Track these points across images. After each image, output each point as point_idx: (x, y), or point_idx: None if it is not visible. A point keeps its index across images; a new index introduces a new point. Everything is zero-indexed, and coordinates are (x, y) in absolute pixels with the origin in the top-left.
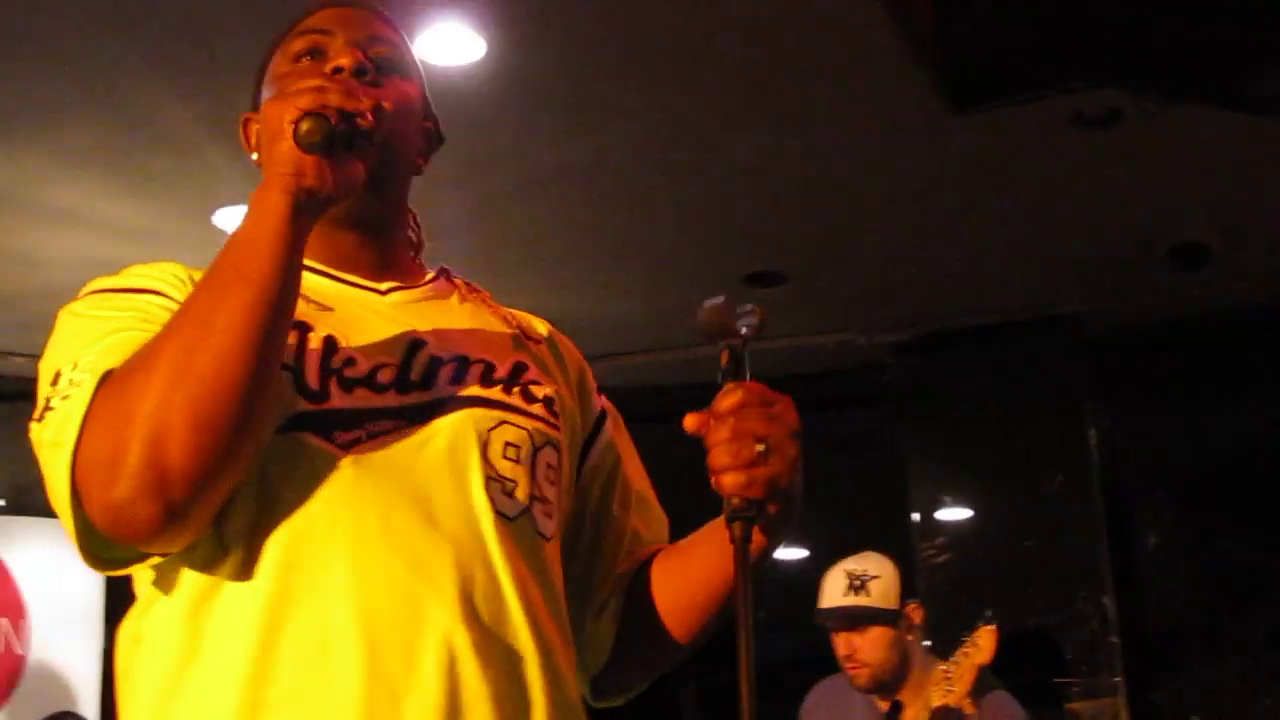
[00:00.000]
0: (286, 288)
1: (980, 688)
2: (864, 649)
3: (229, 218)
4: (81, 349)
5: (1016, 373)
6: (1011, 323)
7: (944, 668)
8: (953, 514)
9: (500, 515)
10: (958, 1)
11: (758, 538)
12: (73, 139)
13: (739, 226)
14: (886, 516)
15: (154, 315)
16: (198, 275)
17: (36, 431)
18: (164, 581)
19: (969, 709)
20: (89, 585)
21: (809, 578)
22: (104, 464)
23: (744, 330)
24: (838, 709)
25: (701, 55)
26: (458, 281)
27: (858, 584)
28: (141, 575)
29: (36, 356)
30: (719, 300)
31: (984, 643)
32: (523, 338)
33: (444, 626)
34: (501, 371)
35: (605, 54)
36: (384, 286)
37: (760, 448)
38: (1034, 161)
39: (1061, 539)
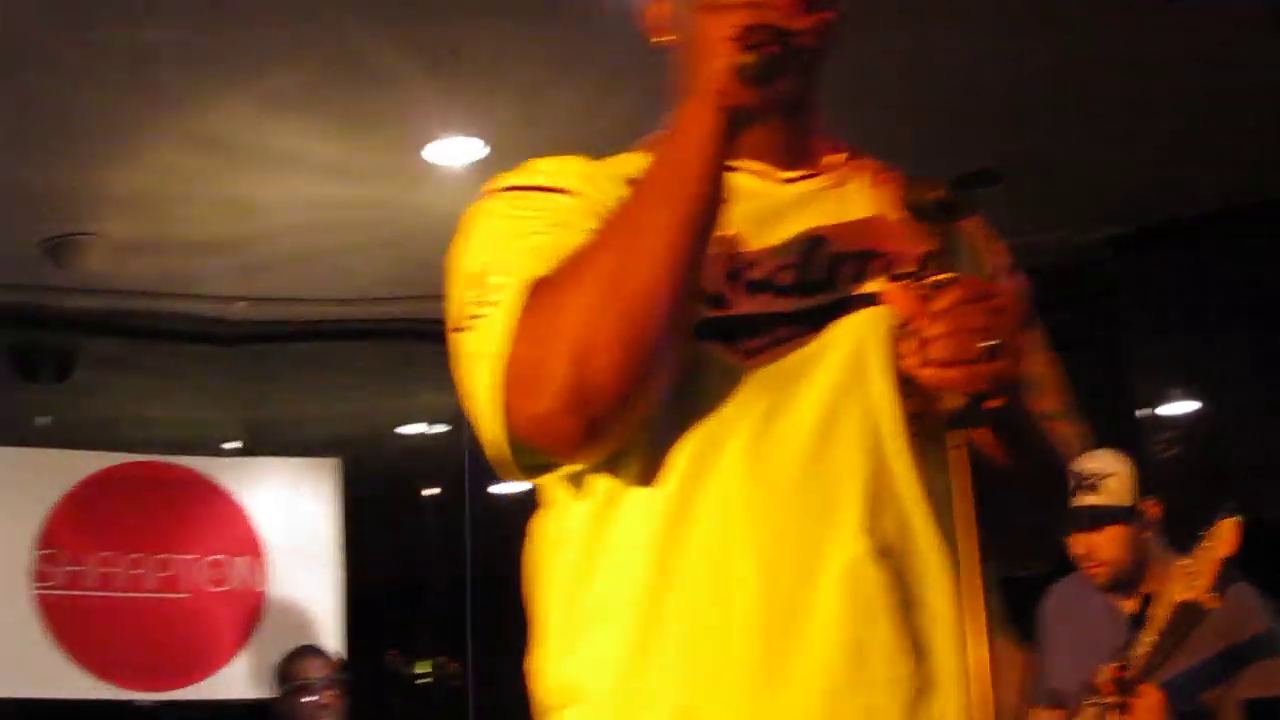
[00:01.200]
0: (712, 206)
1: (1223, 581)
2: (1102, 548)
3: (440, 152)
4: (500, 253)
5: (1238, 263)
6: (1232, 212)
7: (1184, 563)
8: (1181, 408)
9: (911, 418)
10: None
11: (986, 436)
12: (283, 82)
13: (951, 125)
14: (1111, 414)
15: (563, 216)
16: (600, 169)
17: (461, 341)
18: (573, 487)
19: (1213, 603)
20: (325, 522)
21: None
22: (529, 377)
23: (955, 213)
24: (1077, 609)
25: None
26: (867, 163)
27: (1092, 483)
28: (553, 479)
29: (259, 300)
30: (931, 180)
31: (1226, 535)
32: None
33: (845, 538)
34: (905, 264)
35: None
36: (789, 176)
37: (987, 342)
38: (1249, 50)
39: None
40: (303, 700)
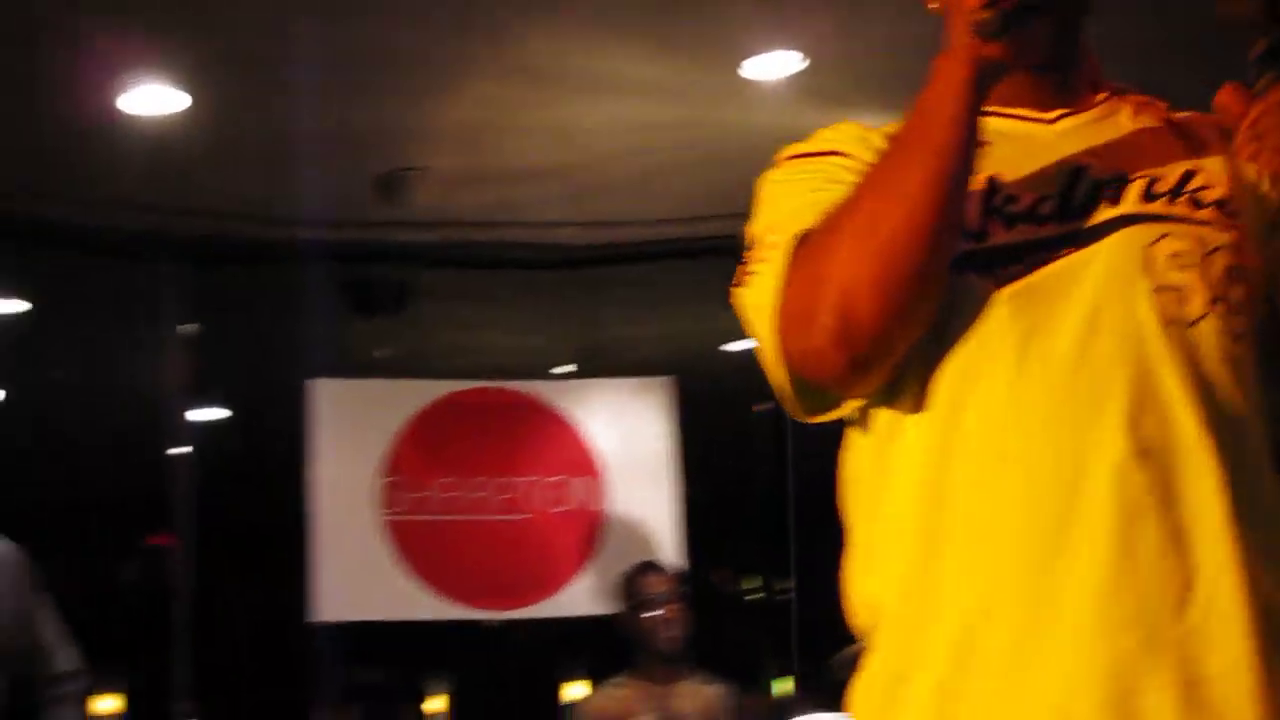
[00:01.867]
0: (965, 156)
1: None
2: None
3: (758, 67)
4: (776, 214)
5: None
6: None
7: None
8: None
9: (1173, 323)
10: None
11: None
12: (601, 6)
13: None
14: None
15: (836, 175)
16: (874, 133)
17: (739, 296)
18: (858, 422)
19: None
20: (659, 440)
21: None
22: (798, 318)
23: None
24: None
25: None
26: (1131, 97)
27: None
28: (846, 415)
29: (586, 225)
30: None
31: None
32: (1205, 141)
33: (1109, 448)
34: (1165, 183)
35: None
36: (1051, 115)
37: None
38: None
39: None
40: (645, 615)
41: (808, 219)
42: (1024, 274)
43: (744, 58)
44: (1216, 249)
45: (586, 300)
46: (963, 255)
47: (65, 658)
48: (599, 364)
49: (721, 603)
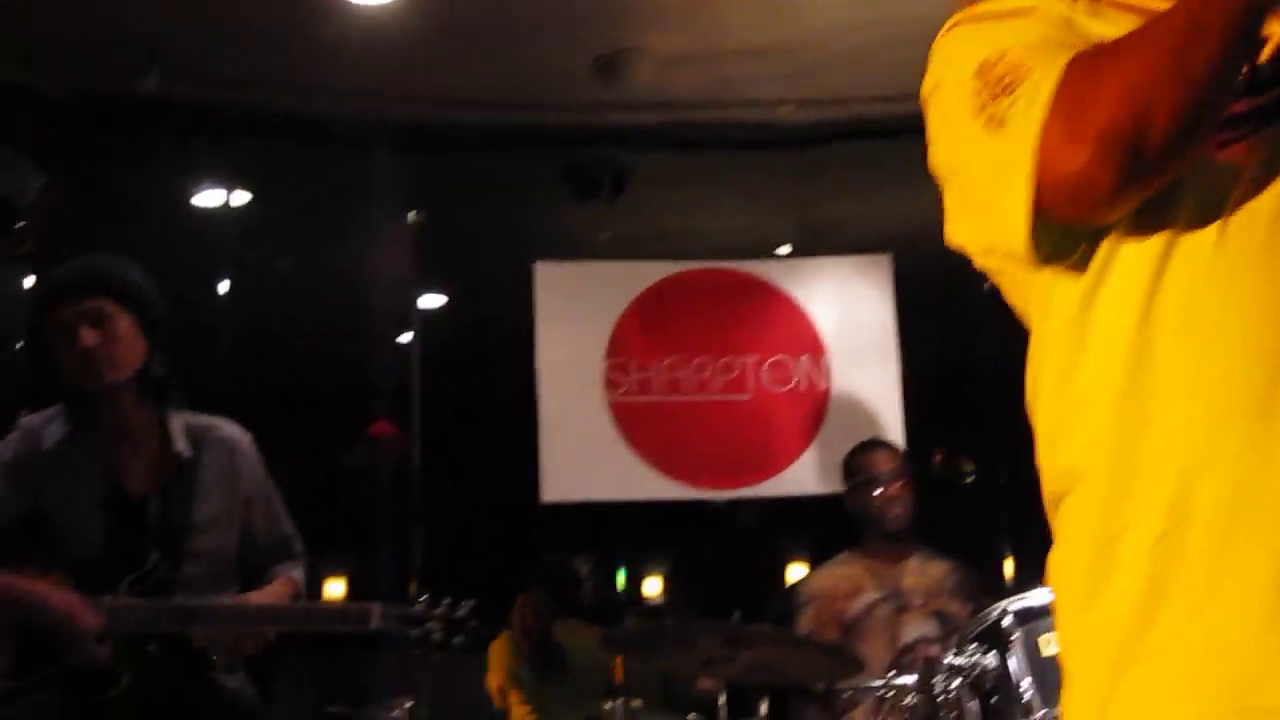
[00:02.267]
0: None
1: None
2: None
3: None
4: (989, 49)
5: None
6: None
7: None
8: None
9: None
10: None
11: None
12: None
13: None
14: None
15: (1055, 36)
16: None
17: (982, 131)
18: (1058, 279)
19: None
20: (881, 318)
21: None
22: (1074, 137)
23: None
24: None
25: None
26: None
27: None
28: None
29: (807, 102)
30: None
31: None
32: None
33: None
34: None
35: None
36: None
37: None
38: None
39: None
40: (872, 494)
41: (1058, 57)
42: (1233, 141)
43: None
44: None
45: (806, 180)
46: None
47: (287, 545)
48: (818, 243)
49: (942, 485)
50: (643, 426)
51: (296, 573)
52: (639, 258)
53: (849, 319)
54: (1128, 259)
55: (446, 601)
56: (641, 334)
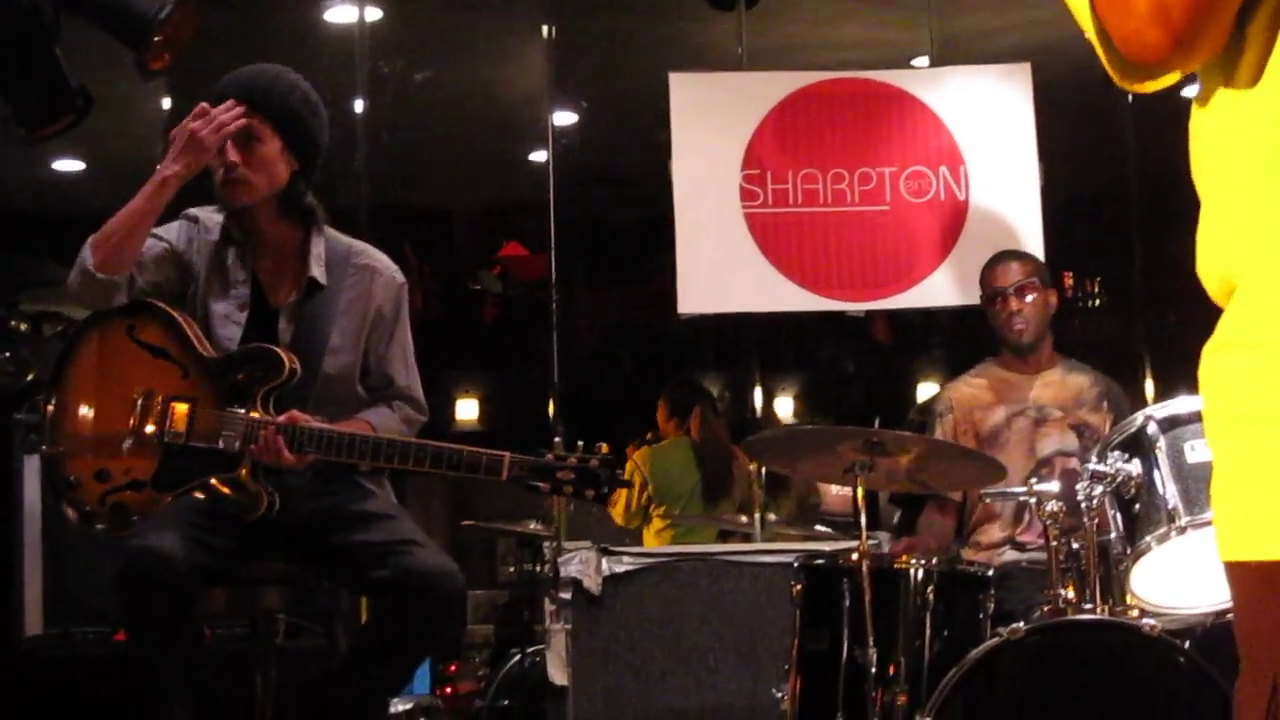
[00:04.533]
0: None
1: None
2: None
3: None
4: None
5: None
6: None
7: None
8: None
9: None
10: None
11: None
12: None
13: None
14: None
15: None
16: None
17: None
18: (1202, 90)
19: None
20: (1021, 128)
21: None
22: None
23: None
24: None
25: None
26: None
27: None
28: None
29: None
30: None
31: None
32: None
33: None
34: None
35: None
36: None
37: None
38: None
39: None
40: (1002, 306)
41: None
42: None
43: None
44: None
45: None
46: None
47: (407, 384)
48: (955, 53)
49: (1073, 302)
50: (779, 238)
51: (404, 414)
52: (774, 68)
53: (987, 129)
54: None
55: (579, 450)
56: (777, 145)
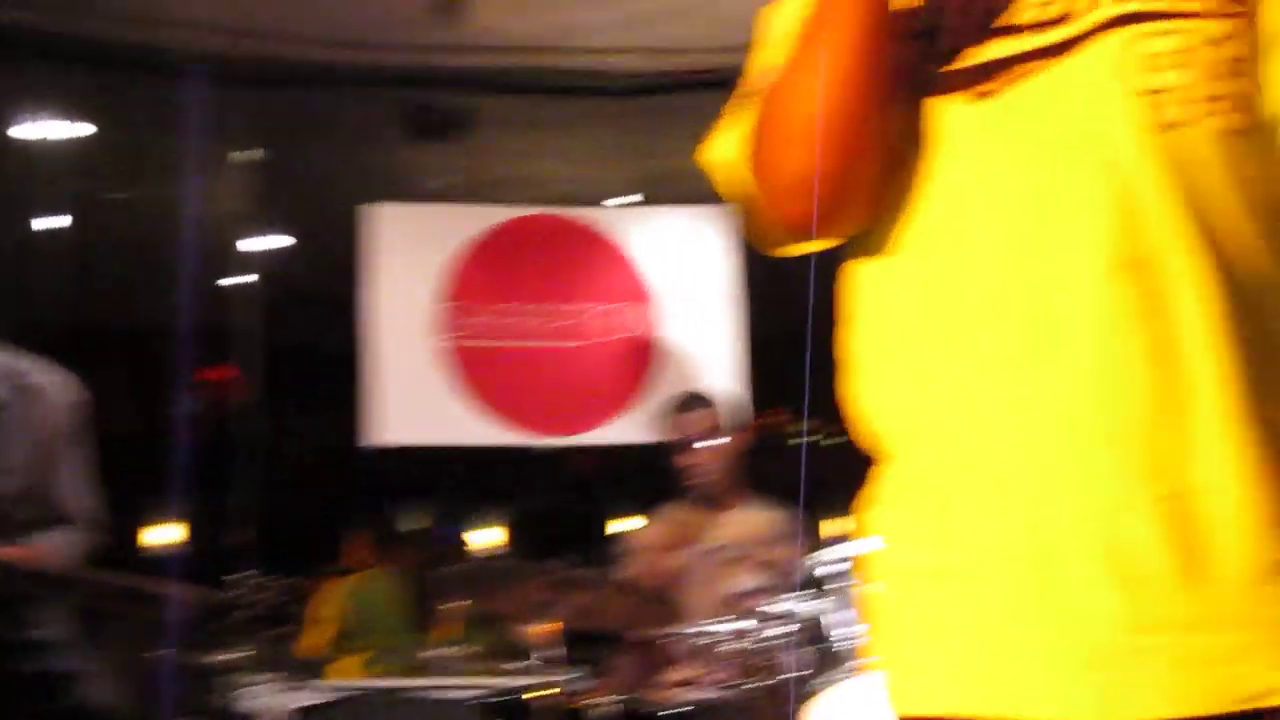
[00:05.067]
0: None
1: None
2: None
3: None
4: (761, 56)
5: None
6: None
7: None
8: None
9: (1160, 128)
10: None
11: None
12: None
13: None
14: None
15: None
16: None
17: (707, 150)
18: (851, 245)
19: None
20: (718, 271)
21: None
22: (761, 170)
23: None
24: None
25: None
26: None
27: None
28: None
29: (649, 51)
30: None
31: None
32: None
33: (1095, 257)
34: None
35: None
36: None
37: None
38: None
39: None
40: (688, 450)
41: (766, 74)
42: (1002, 89)
43: None
44: (1220, 40)
45: (647, 129)
46: (937, 76)
47: (79, 507)
48: (657, 193)
49: (775, 443)
50: (474, 370)
51: (70, 539)
52: (476, 202)
53: (685, 270)
54: (913, 208)
55: (255, 580)
56: (476, 278)
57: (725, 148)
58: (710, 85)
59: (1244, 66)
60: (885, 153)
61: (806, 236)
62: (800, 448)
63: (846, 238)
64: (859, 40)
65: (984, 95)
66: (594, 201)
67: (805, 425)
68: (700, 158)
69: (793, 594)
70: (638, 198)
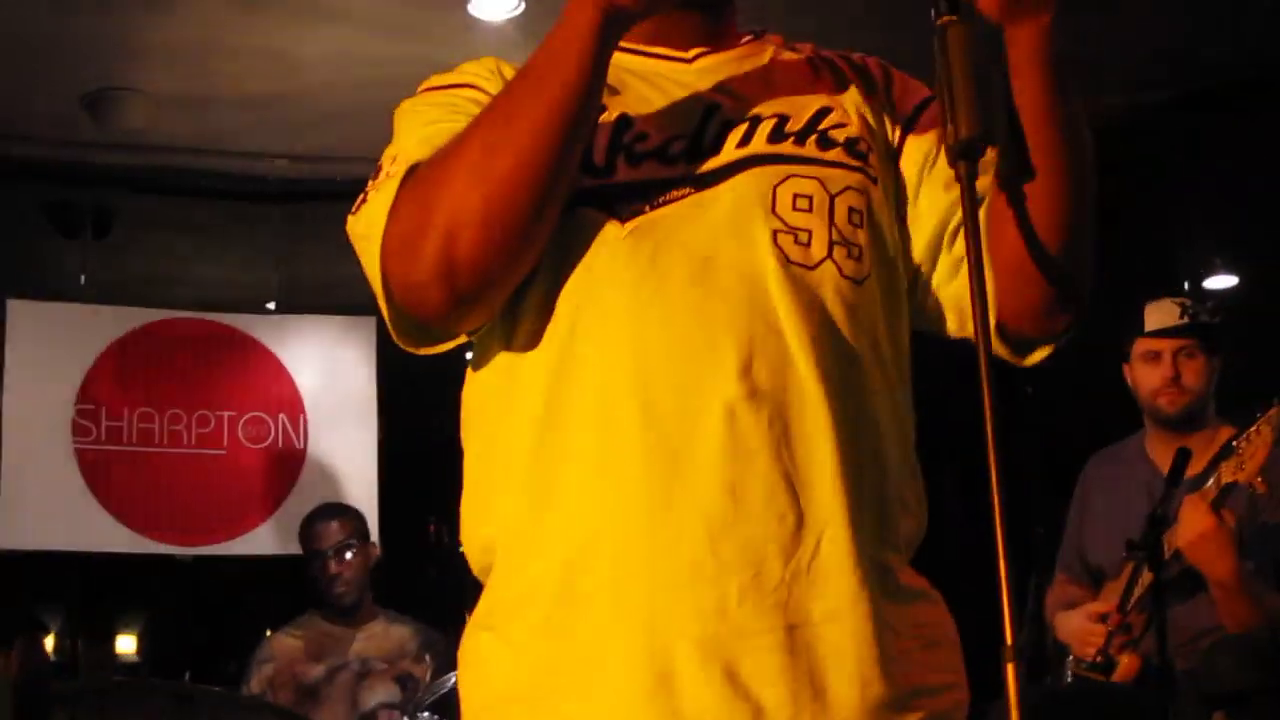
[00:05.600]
0: (588, 98)
1: (1272, 465)
2: (1190, 374)
3: (486, 7)
4: (399, 143)
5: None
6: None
7: (1236, 443)
8: (1223, 282)
9: (793, 265)
10: None
11: None
12: None
13: None
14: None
15: (462, 107)
16: (509, 69)
17: (351, 224)
18: (477, 354)
19: (1261, 488)
20: (362, 381)
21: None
22: (403, 250)
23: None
24: (1117, 478)
25: None
26: (774, 38)
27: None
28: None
29: (299, 158)
30: None
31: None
32: (843, 78)
33: (722, 387)
34: (796, 123)
35: None
36: (690, 54)
37: None
38: None
39: None
40: (321, 563)
41: (424, 150)
42: (646, 212)
43: None
44: (841, 191)
45: (295, 235)
46: (586, 191)
47: None
48: (304, 300)
49: (429, 555)
50: (109, 476)
51: None
52: (119, 303)
53: (330, 379)
54: (546, 320)
55: None
56: (114, 381)
57: (372, 221)
58: (357, 195)
59: (865, 217)
60: (537, 254)
61: (441, 322)
62: (441, 559)
63: (474, 328)
64: (565, 108)
65: (630, 216)
66: (240, 306)
67: (444, 537)
68: (349, 229)
69: (427, 712)
70: (281, 304)
